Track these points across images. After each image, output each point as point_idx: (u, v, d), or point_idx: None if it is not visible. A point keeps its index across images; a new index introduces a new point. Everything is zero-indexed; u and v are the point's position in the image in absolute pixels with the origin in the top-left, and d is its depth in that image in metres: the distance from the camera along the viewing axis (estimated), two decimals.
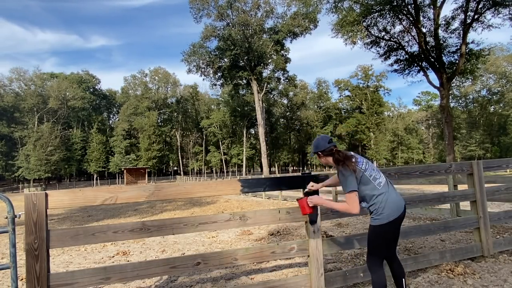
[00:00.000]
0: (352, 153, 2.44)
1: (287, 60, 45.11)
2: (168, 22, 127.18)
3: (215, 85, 47.42)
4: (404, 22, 23.40)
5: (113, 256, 5.12)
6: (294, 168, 77.03)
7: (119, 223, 2.58)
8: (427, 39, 22.93)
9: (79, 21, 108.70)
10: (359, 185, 2.29)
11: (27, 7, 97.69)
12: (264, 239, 5.78)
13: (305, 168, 73.70)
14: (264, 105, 46.69)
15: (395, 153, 70.29)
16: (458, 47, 22.42)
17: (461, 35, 21.79)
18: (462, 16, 21.57)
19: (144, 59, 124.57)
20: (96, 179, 57.12)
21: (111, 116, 76.38)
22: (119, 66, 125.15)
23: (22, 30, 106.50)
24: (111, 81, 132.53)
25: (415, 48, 24.25)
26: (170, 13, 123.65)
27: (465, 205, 6.23)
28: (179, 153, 68.74)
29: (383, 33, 24.63)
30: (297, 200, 2.58)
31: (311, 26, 39.58)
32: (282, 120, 70.90)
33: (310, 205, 2.49)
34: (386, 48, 25.56)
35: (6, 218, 2.37)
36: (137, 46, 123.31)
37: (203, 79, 65.83)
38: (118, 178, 57.47)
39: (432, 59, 22.59)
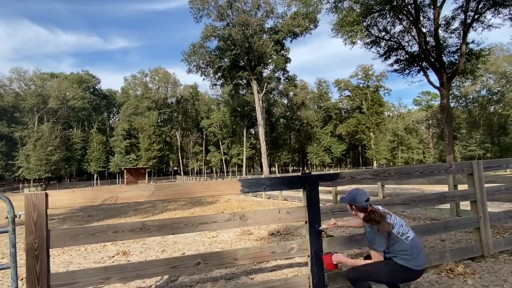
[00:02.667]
0: (384, 210, 2.48)
1: (287, 60, 45.08)
2: (187, 25, 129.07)
3: (215, 85, 47.46)
4: (404, 22, 23.40)
5: (113, 256, 5.12)
6: (294, 168, 77.00)
7: (119, 223, 2.58)
8: (427, 39, 22.92)
9: (103, 23, 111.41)
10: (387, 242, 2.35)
11: (54, 9, 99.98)
12: (264, 239, 5.78)
13: (305, 168, 73.70)
14: (264, 105, 46.66)
15: (395, 153, 70.26)
16: (458, 47, 22.42)
17: (461, 35, 21.79)
18: (462, 16, 21.57)
19: (160, 60, 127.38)
20: (96, 179, 57.11)
21: (111, 116, 76.40)
22: (134, 67, 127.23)
23: (46, 32, 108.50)
24: (111, 81, 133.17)
25: (415, 48, 24.27)
26: (190, 15, 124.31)
27: (465, 205, 6.23)
28: (179, 153, 68.73)
29: (383, 33, 24.63)
30: (322, 255, 2.68)
31: (311, 26, 39.57)
32: (282, 120, 70.87)
33: (334, 262, 2.57)
34: (386, 48, 25.56)
35: (6, 218, 2.37)
36: (155, 48, 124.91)
37: (203, 79, 65.73)
38: (118, 178, 57.43)
39: (432, 59, 22.58)
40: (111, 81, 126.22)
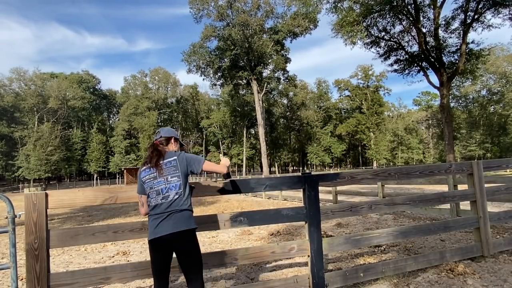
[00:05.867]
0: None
1: (287, 60, 45.08)
2: None
3: (215, 85, 47.43)
4: (404, 22, 23.41)
5: (113, 256, 5.12)
6: (294, 168, 76.98)
7: (119, 223, 2.59)
8: (427, 39, 22.93)
9: (131, 26, 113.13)
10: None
11: (84, 12, 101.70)
12: (264, 239, 5.78)
13: (305, 168, 73.67)
14: (264, 105, 46.65)
15: (395, 153, 70.25)
16: (458, 47, 22.42)
17: (461, 35, 21.80)
18: (462, 16, 21.59)
19: (177, 61, 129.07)
20: (96, 179, 57.07)
21: (111, 116, 76.36)
22: (149, 67, 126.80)
23: (73, 34, 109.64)
24: (111, 81, 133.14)
25: (415, 48, 24.30)
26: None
27: (465, 205, 6.23)
28: None
29: (383, 33, 24.64)
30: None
31: (311, 26, 39.58)
32: (282, 120, 70.81)
33: None
34: (386, 48, 25.58)
35: (6, 218, 2.37)
36: (176, 50, 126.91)
37: (203, 79, 65.64)
38: (118, 178, 57.40)
39: (432, 59, 22.59)
40: (114, 81, 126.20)
